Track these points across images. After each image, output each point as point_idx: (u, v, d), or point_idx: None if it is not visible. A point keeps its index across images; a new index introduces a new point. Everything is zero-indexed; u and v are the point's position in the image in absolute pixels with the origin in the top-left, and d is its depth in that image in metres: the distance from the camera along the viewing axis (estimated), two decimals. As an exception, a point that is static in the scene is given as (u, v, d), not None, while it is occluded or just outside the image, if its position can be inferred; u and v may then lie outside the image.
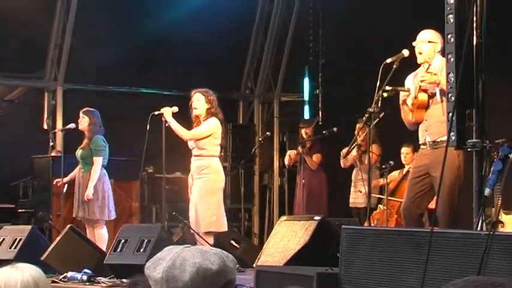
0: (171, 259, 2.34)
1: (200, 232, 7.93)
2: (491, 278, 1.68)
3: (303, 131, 10.54)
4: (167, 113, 8.16)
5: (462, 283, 1.68)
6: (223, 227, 8.17)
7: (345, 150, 9.10)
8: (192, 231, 8.02)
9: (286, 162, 10.64)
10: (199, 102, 8.13)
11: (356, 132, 9.03)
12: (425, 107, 6.36)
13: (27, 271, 2.57)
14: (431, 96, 6.33)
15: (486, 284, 1.65)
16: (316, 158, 10.27)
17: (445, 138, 6.09)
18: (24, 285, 2.53)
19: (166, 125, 8.17)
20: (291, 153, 10.49)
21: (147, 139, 8.31)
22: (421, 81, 6.29)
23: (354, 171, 10.05)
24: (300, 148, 10.27)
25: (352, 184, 10.10)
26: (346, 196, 10.16)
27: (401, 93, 6.51)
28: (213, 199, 8.02)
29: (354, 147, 8.71)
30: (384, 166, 9.61)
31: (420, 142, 6.51)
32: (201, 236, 7.84)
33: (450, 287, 1.69)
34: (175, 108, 8.27)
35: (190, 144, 8.18)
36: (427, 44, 6.36)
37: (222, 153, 8.34)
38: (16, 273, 2.55)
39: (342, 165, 9.93)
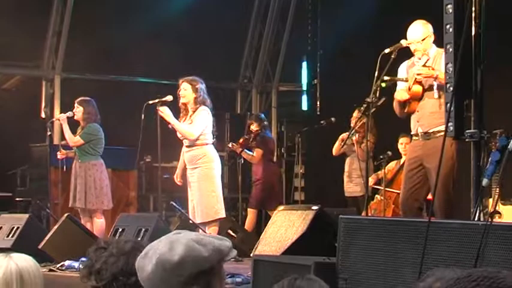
0: (147, 249, 2.36)
1: (198, 222, 7.90)
2: (492, 271, 1.45)
3: (251, 126, 10.46)
4: (167, 116, 7.99)
5: (453, 280, 1.41)
6: (222, 214, 8.15)
7: (345, 135, 8.96)
8: (191, 221, 7.98)
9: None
10: (186, 91, 8.06)
11: (353, 121, 9.00)
12: (419, 98, 6.36)
13: (16, 260, 2.54)
14: (427, 88, 6.33)
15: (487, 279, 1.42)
16: (256, 152, 10.24)
17: (437, 129, 6.14)
18: (6, 274, 2.51)
19: (170, 126, 8.04)
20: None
21: (142, 128, 8.28)
22: (418, 74, 6.29)
23: (348, 161, 9.96)
24: (232, 144, 10.27)
25: (346, 174, 9.99)
26: (337, 186, 10.15)
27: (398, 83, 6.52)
28: (213, 186, 7.98)
29: (353, 134, 8.71)
30: (381, 157, 9.57)
31: (412, 133, 6.52)
32: (199, 227, 7.81)
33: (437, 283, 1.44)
34: (170, 97, 8.20)
35: (180, 135, 8.09)
36: (422, 42, 6.36)
37: (214, 140, 8.24)
38: (2, 262, 2.53)
39: (334, 153, 9.74)
